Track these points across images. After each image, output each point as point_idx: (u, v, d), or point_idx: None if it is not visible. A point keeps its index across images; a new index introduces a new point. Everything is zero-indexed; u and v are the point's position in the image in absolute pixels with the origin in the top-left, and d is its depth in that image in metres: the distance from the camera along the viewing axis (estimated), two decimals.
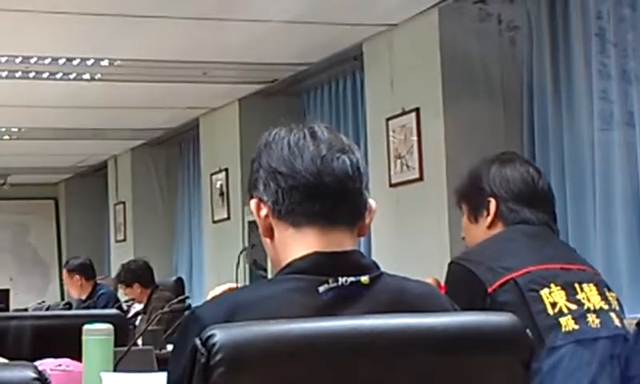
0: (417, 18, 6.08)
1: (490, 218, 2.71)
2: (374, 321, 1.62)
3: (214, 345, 1.50)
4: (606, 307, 2.57)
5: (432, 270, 2.85)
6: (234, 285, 2.02)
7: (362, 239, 6.60)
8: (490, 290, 2.49)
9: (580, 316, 2.51)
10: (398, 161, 6.27)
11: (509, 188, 2.70)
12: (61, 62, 6.84)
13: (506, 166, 2.74)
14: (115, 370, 2.24)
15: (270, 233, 1.86)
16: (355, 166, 1.83)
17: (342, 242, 1.81)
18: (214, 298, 1.77)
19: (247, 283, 7.71)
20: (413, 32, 6.16)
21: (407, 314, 1.70)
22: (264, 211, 1.85)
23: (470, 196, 2.78)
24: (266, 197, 1.84)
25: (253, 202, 1.87)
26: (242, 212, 8.11)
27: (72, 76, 7.22)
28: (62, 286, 11.16)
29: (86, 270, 7.94)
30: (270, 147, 1.85)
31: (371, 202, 1.87)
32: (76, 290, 7.93)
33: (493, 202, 2.70)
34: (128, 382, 2.15)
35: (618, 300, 2.66)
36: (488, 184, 2.72)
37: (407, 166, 6.19)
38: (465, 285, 2.53)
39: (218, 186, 8.69)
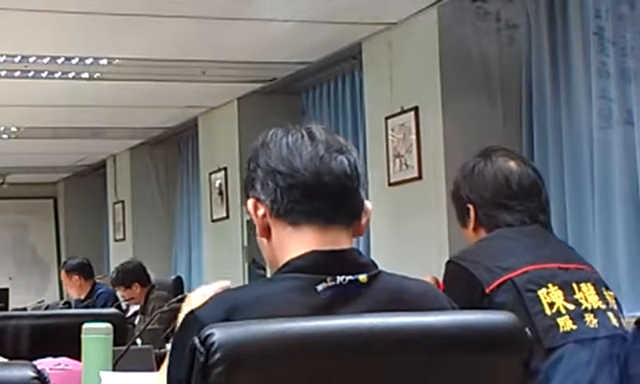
0: (416, 16, 6.08)
1: (472, 224, 2.71)
2: (372, 319, 1.62)
3: (212, 344, 1.50)
4: (603, 307, 2.57)
5: (431, 269, 2.85)
6: (225, 283, 2.02)
7: (361, 238, 6.65)
8: (487, 290, 2.48)
9: (578, 316, 2.51)
10: (397, 160, 6.28)
11: (482, 194, 2.68)
12: (60, 61, 6.84)
13: (480, 167, 2.71)
14: (114, 369, 2.24)
15: (267, 233, 1.86)
16: (353, 165, 1.84)
17: (339, 240, 1.81)
18: (212, 298, 1.77)
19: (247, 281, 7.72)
20: (412, 31, 6.16)
21: (406, 312, 1.70)
22: (261, 211, 1.85)
23: (455, 203, 2.79)
24: (264, 196, 1.84)
25: (250, 202, 1.88)
26: (241, 211, 8.11)
27: (71, 75, 7.22)
28: (61, 285, 11.15)
29: (85, 270, 7.95)
30: (268, 147, 1.85)
31: (367, 202, 1.88)
32: (75, 289, 7.93)
33: (471, 209, 2.70)
34: (127, 381, 2.15)
35: (616, 299, 2.66)
36: (465, 192, 2.72)
37: (406, 165, 6.19)
38: (462, 284, 2.52)
39: (216, 184, 8.69)
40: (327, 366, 1.56)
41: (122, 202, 10.83)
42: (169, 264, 10.49)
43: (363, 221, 1.87)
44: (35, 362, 1.67)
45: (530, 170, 2.73)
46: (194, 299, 1.97)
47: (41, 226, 13.15)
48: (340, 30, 6.42)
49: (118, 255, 10.10)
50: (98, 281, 8.17)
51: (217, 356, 1.50)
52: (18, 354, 2.68)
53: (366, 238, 6.70)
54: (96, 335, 2.21)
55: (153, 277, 7.48)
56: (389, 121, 6.36)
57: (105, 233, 11.84)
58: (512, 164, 2.71)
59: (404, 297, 1.79)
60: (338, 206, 1.82)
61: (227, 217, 8.53)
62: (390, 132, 6.34)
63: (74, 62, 6.88)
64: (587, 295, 2.56)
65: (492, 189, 2.67)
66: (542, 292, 2.50)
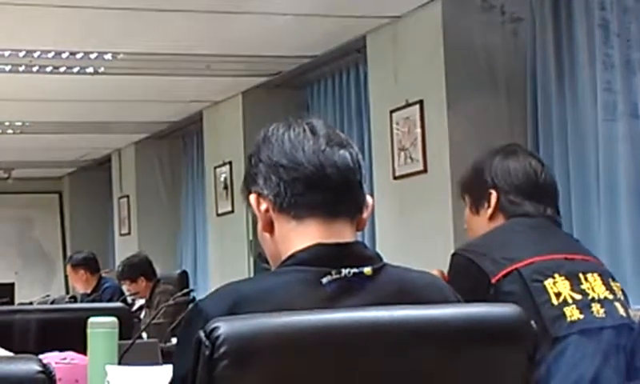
0: (420, 9, 6.07)
1: (490, 210, 2.71)
2: (377, 312, 1.62)
3: (218, 337, 1.50)
4: (610, 297, 2.57)
5: (436, 262, 2.85)
6: None
7: (367, 231, 6.65)
8: (493, 280, 2.48)
9: (585, 306, 2.51)
10: (402, 153, 6.27)
11: (510, 180, 2.69)
12: (64, 55, 6.84)
13: (508, 158, 2.74)
14: (120, 363, 2.25)
15: (270, 227, 1.86)
16: (355, 159, 1.85)
17: (343, 233, 1.81)
18: (217, 291, 1.77)
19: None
20: (416, 24, 6.16)
21: (411, 305, 1.70)
22: (264, 205, 1.85)
23: (472, 187, 2.78)
24: (267, 191, 1.84)
25: (252, 197, 1.88)
26: (246, 205, 8.09)
27: (75, 70, 7.22)
28: (66, 279, 11.17)
29: (91, 264, 7.97)
30: (270, 142, 1.86)
31: (368, 197, 1.88)
32: (81, 284, 7.95)
33: (494, 194, 2.70)
34: (133, 375, 2.15)
35: (622, 290, 2.66)
36: (490, 176, 2.72)
37: (411, 159, 6.19)
38: (468, 276, 2.53)
39: (221, 179, 8.70)
40: (332, 358, 1.56)
41: (127, 196, 10.84)
42: (174, 258, 10.50)
43: (365, 215, 1.87)
44: (41, 356, 1.67)
45: (551, 173, 2.78)
46: None
47: (46, 221, 13.17)
48: (344, 24, 6.41)
49: (124, 250, 10.12)
50: (103, 275, 8.19)
51: (222, 349, 1.49)
52: (23, 349, 2.67)
53: (370, 231, 6.70)
54: (102, 329, 2.21)
55: (158, 271, 7.49)
56: (393, 114, 6.35)
57: (110, 227, 11.86)
58: (537, 162, 2.75)
59: (409, 289, 1.79)
60: (341, 198, 1.82)
61: (232, 211, 8.54)
62: (394, 125, 6.34)
63: (78, 56, 6.88)
64: (594, 285, 2.56)
65: (522, 176, 2.69)
66: (548, 282, 2.51)
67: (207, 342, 1.50)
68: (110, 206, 11.70)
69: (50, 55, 6.81)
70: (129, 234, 10.79)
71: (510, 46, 6.02)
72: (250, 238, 8.07)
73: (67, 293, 10.67)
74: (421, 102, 6.11)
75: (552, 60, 5.66)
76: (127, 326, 2.70)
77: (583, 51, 5.44)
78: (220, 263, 8.76)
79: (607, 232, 5.24)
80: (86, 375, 2.22)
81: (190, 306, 1.87)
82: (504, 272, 2.49)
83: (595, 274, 2.59)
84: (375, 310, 1.64)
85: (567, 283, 2.53)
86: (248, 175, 1.90)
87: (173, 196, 10.68)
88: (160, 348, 2.84)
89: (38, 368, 1.40)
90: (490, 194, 2.71)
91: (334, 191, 1.82)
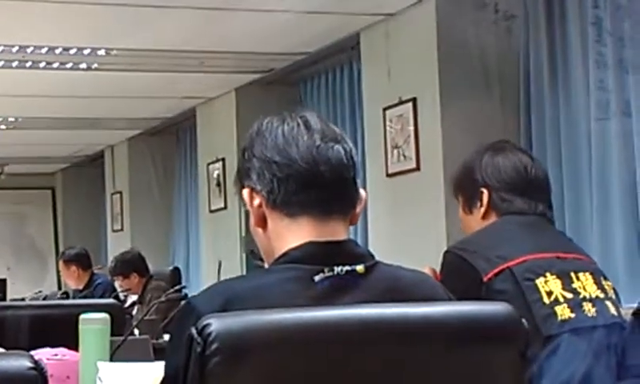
0: (414, 7, 6.07)
1: (483, 209, 2.71)
2: (370, 310, 1.63)
3: (209, 334, 1.50)
4: (602, 296, 2.57)
5: (429, 260, 2.85)
6: None
7: (359, 229, 6.65)
8: (485, 278, 2.49)
9: (576, 304, 2.51)
10: (395, 151, 6.27)
11: (500, 178, 2.69)
12: (57, 51, 6.83)
13: (497, 155, 2.74)
14: (112, 359, 2.24)
15: (263, 223, 1.85)
16: (349, 154, 1.84)
17: (336, 231, 1.81)
18: (209, 288, 1.77)
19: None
20: (410, 21, 6.16)
21: (403, 303, 1.70)
22: (257, 201, 1.85)
23: (464, 187, 2.78)
24: (260, 186, 1.84)
25: (245, 192, 1.88)
26: (239, 201, 8.07)
27: (69, 65, 7.21)
28: (59, 275, 11.14)
29: (83, 260, 7.96)
30: (264, 136, 1.85)
31: (361, 191, 1.88)
32: (73, 280, 7.94)
33: (485, 193, 2.70)
34: (124, 372, 2.15)
35: (614, 289, 2.66)
36: (480, 174, 2.72)
37: (404, 156, 6.19)
38: (460, 274, 2.53)
39: (214, 175, 8.69)
40: (324, 356, 1.56)
41: (120, 192, 10.83)
42: (166, 255, 10.49)
43: (358, 210, 1.87)
44: (32, 353, 1.67)
45: (542, 168, 2.77)
46: None
47: (39, 217, 13.14)
48: (338, 21, 6.41)
49: (116, 246, 10.10)
50: (95, 271, 8.18)
51: (214, 346, 1.49)
52: (15, 345, 2.67)
53: (363, 228, 6.70)
54: (93, 326, 2.21)
55: (151, 267, 7.48)
56: (387, 112, 6.35)
57: (103, 223, 11.84)
58: (527, 157, 2.74)
59: (401, 287, 1.79)
60: (334, 196, 1.82)
61: (225, 207, 8.54)
62: (387, 123, 6.34)
63: (72, 52, 6.87)
64: (585, 284, 2.57)
65: (512, 173, 2.69)
66: (539, 281, 2.51)
67: (199, 339, 1.50)
68: (102, 202, 11.68)
69: (44, 51, 6.80)
70: (121, 230, 10.78)
71: (503, 43, 6.03)
72: (243, 234, 8.07)
73: (59, 289, 10.65)
74: (414, 100, 6.11)
75: (545, 58, 5.66)
76: (119, 322, 2.70)
77: (576, 49, 5.45)
78: (213, 260, 8.74)
79: (600, 230, 5.25)
80: (77, 371, 2.21)
81: (182, 302, 1.87)
82: (496, 270, 2.49)
83: (587, 273, 2.60)
84: (367, 307, 1.64)
85: (559, 282, 2.53)
86: (241, 169, 1.90)
87: (166, 192, 10.67)
88: (152, 345, 2.84)
89: (30, 364, 1.40)
90: (482, 192, 2.71)
91: (328, 189, 1.81)
